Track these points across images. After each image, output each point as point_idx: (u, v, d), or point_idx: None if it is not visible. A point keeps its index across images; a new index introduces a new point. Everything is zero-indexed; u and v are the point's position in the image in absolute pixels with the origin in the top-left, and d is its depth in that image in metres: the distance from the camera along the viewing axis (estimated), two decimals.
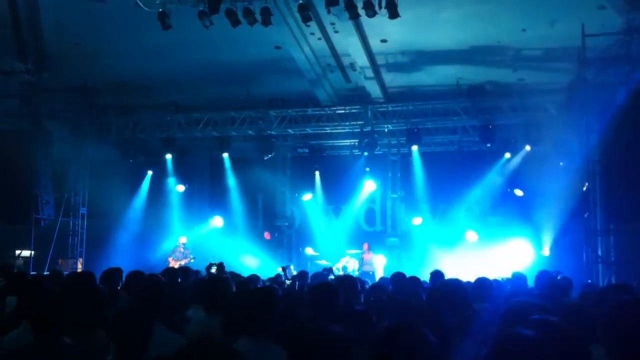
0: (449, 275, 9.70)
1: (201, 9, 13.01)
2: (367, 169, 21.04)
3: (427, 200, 20.44)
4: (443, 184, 19.97)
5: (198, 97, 19.27)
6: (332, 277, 12.44)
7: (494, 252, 17.75)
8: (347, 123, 19.55)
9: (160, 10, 13.13)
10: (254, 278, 9.82)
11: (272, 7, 13.05)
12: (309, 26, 14.01)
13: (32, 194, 17.95)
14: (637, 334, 3.55)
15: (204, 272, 11.45)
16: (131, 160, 21.32)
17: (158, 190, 21.80)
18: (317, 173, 21.90)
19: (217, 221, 21.85)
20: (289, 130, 20.35)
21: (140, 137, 20.73)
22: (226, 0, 12.93)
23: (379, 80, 17.70)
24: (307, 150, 21.59)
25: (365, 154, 19.94)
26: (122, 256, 18.34)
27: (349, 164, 21.02)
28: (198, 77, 17.35)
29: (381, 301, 6.13)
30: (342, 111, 19.33)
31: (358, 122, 19.39)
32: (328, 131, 20.37)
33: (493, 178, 19.64)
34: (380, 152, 20.65)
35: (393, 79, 17.71)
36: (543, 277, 8.18)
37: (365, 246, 19.18)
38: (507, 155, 19.18)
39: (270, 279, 11.18)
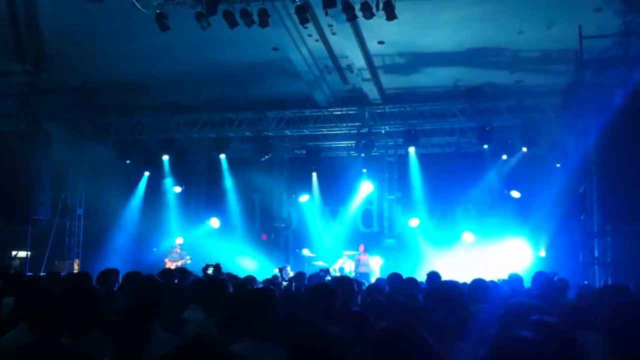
0: (445, 276, 9.71)
1: (199, 10, 13.00)
2: (364, 170, 21.08)
3: (424, 202, 20.48)
4: (440, 186, 20.01)
5: (196, 98, 19.26)
6: (328, 278, 12.46)
7: (490, 253, 17.77)
8: (345, 124, 19.57)
9: (158, 11, 13.11)
10: (250, 279, 9.82)
11: (270, 9, 13.03)
12: (306, 28, 14.01)
13: (29, 195, 17.91)
14: (635, 334, 3.56)
15: (200, 274, 11.44)
16: (129, 161, 21.32)
17: (155, 191, 21.79)
18: (314, 174, 21.92)
19: (214, 222, 21.85)
20: (287, 132, 20.36)
21: (138, 138, 20.71)
22: (224, 2, 12.92)
23: (377, 82, 17.71)
24: (304, 152, 21.61)
25: (363, 155, 19.94)
26: (118, 257, 18.32)
27: (346, 166, 21.04)
28: (196, 79, 17.34)
29: (378, 302, 6.13)
30: (340, 112, 19.34)
31: (355, 124, 19.41)
32: (325, 132, 20.37)
33: (490, 179, 19.68)
34: (378, 154, 20.66)
35: (390, 81, 17.73)
36: (540, 278, 8.20)
37: (362, 247, 19.20)
38: (504, 156, 19.21)
39: (266, 281, 11.16)
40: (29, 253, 18.67)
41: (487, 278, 8.59)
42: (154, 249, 20.69)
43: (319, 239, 21.32)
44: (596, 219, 14.96)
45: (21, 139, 18.15)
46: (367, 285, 10.10)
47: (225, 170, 21.58)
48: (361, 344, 3.39)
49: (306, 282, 10.98)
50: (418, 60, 16.23)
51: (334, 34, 14.70)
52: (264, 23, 13.02)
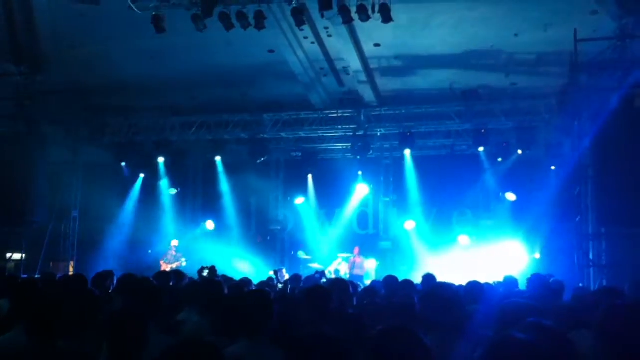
0: (441, 279, 9.72)
1: (195, 12, 13.00)
2: (360, 173, 21.09)
3: (420, 204, 20.49)
4: (436, 188, 20.04)
5: (192, 100, 19.25)
6: (324, 280, 12.47)
7: (486, 255, 17.78)
8: (341, 127, 19.58)
9: (154, 13, 13.11)
10: (246, 281, 9.82)
11: (266, 11, 13.04)
12: (302, 30, 14.01)
13: (24, 197, 17.88)
14: (629, 337, 3.57)
15: (195, 276, 11.43)
16: (124, 163, 21.30)
17: (151, 193, 21.76)
18: (310, 177, 21.92)
19: (209, 224, 21.83)
20: (283, 134, 20.36)
21: (133, 140, 20.70)
22: (220, 4, 12.92)
23: (373, 84, 17.72)
24: (300, 154, 21.60)
25: (358, 157, 19.96)
26: (114, 259, 18.33)
27: (342, 168, 21.03)
28: (192, 81, 17.33)
29: (374, 304, 6.14)
30: (336, 115, 19.34)
31: (351, 126, 19.43)
32: (321, 135, 20.37)
33: (486, 182, 19.71)
34: (374, 156, 20.65)
35: (386, 83, 17.73)
36: (535, 280, 8.20)
37: (356, 250, 19.19)
38: (500, 159, 19.24)
39: (261, 283, 11.15)
40: (24, 255, 18.64)
41: (483, 280, 8.61)
42: (149, 251, 20.66)
43: (315, 241, 21.32)
44: (591, 222, 14.99)
45: (17, 140, 18.12)
46: (362, 287, 10.12)
47: (221, 173, 21.54)
48: (358, 345, 3.39)
49: (302, 284, 10.98)
50: (414, 63, 16.25)
51: (330, 36, 14.71)
52: (260, 25, 13.02)
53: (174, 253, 19.50)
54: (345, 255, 19.51)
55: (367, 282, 15.35)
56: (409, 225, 20.33)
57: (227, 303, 5.84)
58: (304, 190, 22.04)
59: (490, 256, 17.65)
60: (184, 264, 18.83)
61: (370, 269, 19.22)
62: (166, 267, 18.16)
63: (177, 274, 10.23)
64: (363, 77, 17.04)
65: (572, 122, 15.52)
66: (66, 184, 20.00)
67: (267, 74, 16.79)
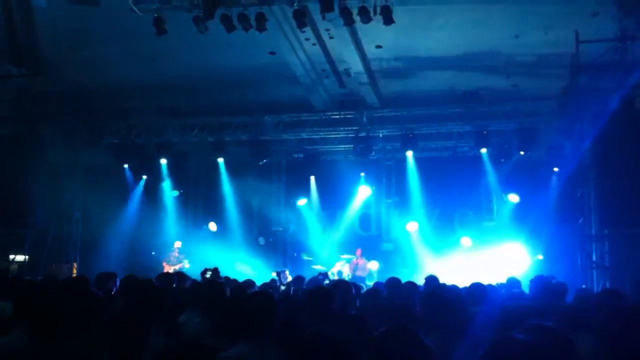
0: (443, 280, 9.72)
1: (196, 14, 13.01)
2: (362, 174, 21.10)
3: (422, 206, 20.47)
4: (438, 190, 20.01)
5: (193, 102, 19.26)
6: (327, 281, 12.47)
7: (488, 257, 17.77)
8: (342, 128, 19.59)
9: (156, 15, 13.12)
10: (249, 283, 9.82)
11: (267, 13, 13.05)
12: (304, 32, 14.01)
13: (26, 199, 17.90)
14: (631, 339, 3.57)
15: (198, 278, 11.43)
16: (126, 165, 21.33)
17: (153, 195, 21.77)
18: (312, 178, 21.92)
19: (212, 226, 21.84)
20: (284, 136, 20.35)
21: (135, 142, 20.72)
22: (221, 6, 12.93)
23: (374, 86, 17.72)
24: (302, 156, 21.59)
25: (360, 159, 19.96)
26: (116, 261, 18.33)
27: (344, 169, 21.02)
28: (193, 82, 17.34)
29: (377, 306, 6.15)
30: (337, 116, 19.36)
31: (353, 128, 19.43)
32: (323, 136, 20.37)
33: (487, 183, 19.69)
34: (375, 158, 20.67)
35: (388, 85, 17.74)
36: (538, 281, 8.20)
37: (359, 251, 19.20)
38: (502, 160, 19.22)
39: (264, 285, 11.15)
40: (26, 257, 18.66)
41: (486, 282, 8.61)
42: (152, 253, 20.68)
43: (317, 243, 21.31)
44: (594, 223, 15.01)
45: (17, 142, 18.14)
46: (364, 289, 10.12)
47: (223, 174, 21.55)
48: (360, 346, 3.40)
49: (305, 286, 10.99)
50: (415, 65, 16.25)
51: (331, 38, 14.72)
52: (261, 27, 13.03)
53: (176, 255, 19.52)
54: (347, 256, 19.51)
55: (370, 283, 15.35)
56: (411, 226, 20.32)
57: (229, 305, 5.84)
58: (306, 192, 22.04)
59: (493, 258, 17.64)
60: (186, 265, 18.84)
61: (372, 271, 19.22)
62: (169, 269, 18.19)
63: (179, 275, 10.24)
64: (364, 79, 17.05)
65: (574, 123, 15.55)
66: (67, 185, 19.99)
67: (269, 75, 16.79)
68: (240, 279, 10.75)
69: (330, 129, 19.70)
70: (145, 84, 17.40)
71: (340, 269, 18.89)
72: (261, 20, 12.95)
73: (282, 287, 12.33)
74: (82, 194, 20.48)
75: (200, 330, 5.59)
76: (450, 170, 19.89)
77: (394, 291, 8.31)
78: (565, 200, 16.99)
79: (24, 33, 15.08)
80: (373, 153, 19.85)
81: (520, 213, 18.91)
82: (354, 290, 7.40)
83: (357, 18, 12.65)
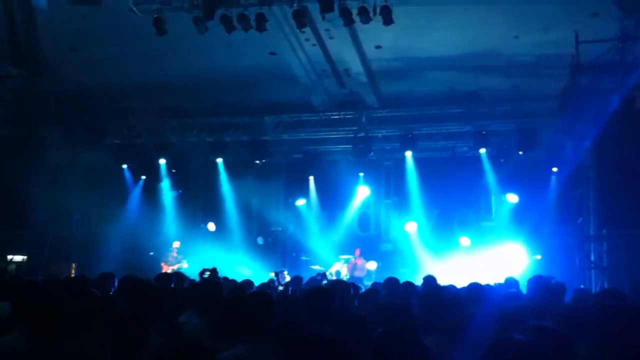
0: (442, 280, 9.72)
1: (196, 14, 13.02)
2: (361, 175, 21.11)
3: (421, 206, 20.47)
4: (437, 190, 20.01)
5: (193, 102, 19.26)
6: (325, 282, 12.47)
7: (487, 257, 17.77)
8: (342, 129, 19.59)
9: (156, 16, 13.13)
10: (247, 283, 9.82)
11: (267, 13, 13.05)
12: (303, 32, 14.03)
13: (24, 198, 17.89)
14: (629, 340, 3.58)
15: (197, 278, 11.43)
16: (125, 165, 21.32)
17: (152, 195, 21.76)
18: (311, 178, 21.92)
19: (210, 226, 21.84)
20: (284, 136, 20.35)
21: (134, 142, 20.72)
22: (221, 6, 12.94)
23: (374, 86, 17.74)
24: (301, 156, 21.59)
25: (360, 159, 19.96)
26: (115, 261, 18.30)
27: (343, 170, 21.01)
28: (193, 83, 17.34)
29: (376, 306, 6.15)
30: (337, 117, 19.37)
31: (352, 128, 19.43)
32: (323, 137, 20.37)
33: (487, 183, 19.69)
34: (374, 158, 20.68)
35: (387, 85, 17.75)
36: (537, 281, 8.19)
37: (357, 252, 19.20)
38: (501, 160, 19.22)
39: (262, 285, 11.14)
40: (25, 257, 18.65)
41: (484, 282, 8.60)
42: (151, 253, 20.67)
43: (316, 243, 21.29)
44: (592, 223, 15.01)
45: (17, 142, 18.14)
46: (363, 289, 10.13)
47: (222, 174, 21.56)
48: (360, 346, 3.40)
49: (303, 286, 10.99)
50: (415, 65, 16.25)
51: (331, 38, 14.73)
52: (261, 27, 13.04)
53: (175, 255, 19.51)
54: (346, 257, 19.51)
55: (368, 284, 15.35)
56: (410, 227, 20.32)
57: (228, 305, 5.84)
58: (305, 192, 22.04)
59: (492, 258, 17.64)
60: (185, 265, 18.83)
61: (370, 271, 19.22)
62: (167, 269, 18.18)
63: (178, 276, 10.25)
64: (364, 79, 17.06)
65: (573, 123, 15.54)
66: (67, 186, 19.96)
67: (269, 75, 16.79)
68: (239, 279, 10.75)
69: (330, 129, 19.71)
70: (144, 85, 17.41)
71: (339, 269, 18.89)
72: (261, 21, 12.96)
73: (280, 288, 12.33)
74: (82, 194, 20.45)
75: (200, 330, 5.59)
76: (450, 170, 19.88)
77: (392, 291, 8.31)
78: (564, 200, 17.00)
79: (25, 33, 15.08)
80: (372, 153, 19.88)
81: (520, 213, 18.91)
82: (352, 291, 7.39)
83: (356, 18, 12.66)
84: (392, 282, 8.95)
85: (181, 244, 19.93)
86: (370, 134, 19.47)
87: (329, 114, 19.33)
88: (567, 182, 16.62)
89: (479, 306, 6.19)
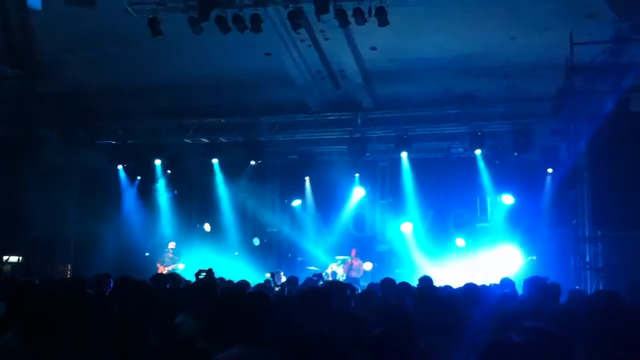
0: (437, 281, 9.74)
1: (191, 15, 13.01)
2: (357, 175, 21.13)
3: (416, 207, 20.50)
4: (432, 191, 20.06)
5: (188, 103, 19.22)
6: (321, 282, 12.48)
7: (482, 258, 17.82)
8: (337, 129, 19.58)
9: (151, 16, 13.12)
10: (243, 284, 9.82)
11: (263, 14, 13.05)
12: (299, 33, 14.02)
13: (20, 199, 17.86)
14: (626, 339, 3.59)
15: (192, 279, 11.42)
16: (121, 166, 21.30)
17: (147, 196, 21.75)
18: (307, 179, 21.93)
19: (206, 227, 21.83)
20: (279, 137, 20.33)
21: (130, 143, 20.69)
22: (216, 7, 12.93)
23: (369, 87, 17.73)
24: (297, 157, 21.60)
25: (355, 160, 19.97)
26: (111, 262, 18.29)
27: (338, 170, 21.03)
28: (188, 84, 17.31)
29: (372, 307, 6.15)
30: (332, 118, 19.34)
31: (348, 129, 19.42)
32: (318, 138, 20.36)
33: (482, 184, 19.73)
34: (370, 159, 20.69)
35: (383, 86, 17.75)
36: (532, 282, 8.22)
37: (354, 252, 19.21)
38: (496, 162, 19.26)
39: (258, 286, 11.14)
40: (20, 258, 18.61)
41: (479, 283, 8.62)
42: (147, 254, 20.66)
43: (312, 244, 21.32)
44: (587, 225, 15.04)
45: (13, 144, 18.10)
46: (359, 289, 10.13)
47: (217, 175, 21.55)
48: (356, 347, 3.41)
49: (299, 287, 10.99)
50: (410, 66, 16.24)
51: (326, 39, 14.72)
52: (256, 28, 13.04)
53: (171, 255, 19.50)
54: (342, 257, 19.52)
55: (364, 284, 15.36)
56: (406, 227, 20.35)
57: (224, 306, 5.84)
58: (300, 193, 22.06)
59: (487, 258, 17.68)
60: (180, 266, 18.82)
61: (367, 272, 19.23)
62: (163, 270, 18.18)
63: (173, 276, 10.24)
64: (360, 80, 17.05)
65: (568, 125, 15.59)
66: (62, 187, 19.95)
67: (264, 76, 16.77)
68: (235, 280, 10.74)
69: (325, 130, 19.68)
70: (140, 85, 17.38)
71: (335, 269, 18.90)
72: (256, 22, 12.96)
73: (277, 288, 12.34)
74: (77, 195, 20.42)
75: (195, 331, 5.58)
76: (445, 171, 19.93)
77: (388, 292, 8.33)
78: (559, 201, 17.05)
79: (20, 35, 15.03)
80: (368, 154, 19.87)
81: (515, 214, 18.96)
82: (348, 291, 7.40)
83: (352, 20, 12.66)
84: (388, 282, 8.97)
85: (177, 245, 19.93)
86: (365, 135, 19.46)
87: (325, 114, 19.31)
88: (562, 183, 16.68)
89: (475, 307, 6.20)
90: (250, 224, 22.53)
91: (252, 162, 20.76)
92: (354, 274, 18.56)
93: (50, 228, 19.29)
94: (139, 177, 21.75)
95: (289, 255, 21.82)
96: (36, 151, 18.41)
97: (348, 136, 19.57)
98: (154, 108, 19.40)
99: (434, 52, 15.28)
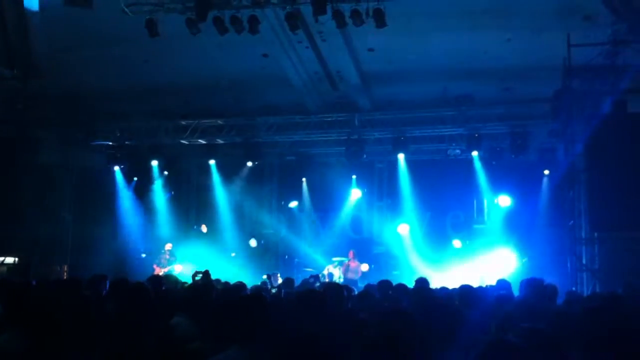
0: (434, 282, 9.74)
1: (189, 16, 13.00)
2: (354, 177, 21.12)
3: (413, 209, 20.50)
4: (429, 192, 20.06)
5: (185, 104, 19.22)
6: (318, 284, 12.46)
7: (479, 259, 17.83)
8: (335, 131, 19.57)
9: (148, 17, 13.10)
10: (240, 285, 9.80)
11: (260, 16, 13.05)
12: (296, 34, 14.02)
13: (17, 200, 17.82)
14: (623, 340, 3.59)
15: (189, 280, 11.40)
16: (116, 167, 21.27)
17: (144, 196, 21.72)
18: (304, 180, 21.92)
19: (203, 228, 21.81)
20: (277, 138, 20.32)
21: (127, 144, 20.66)
22: (214, 8, 12.93)
23: (366, 89, 17.74)
24: (294, 158, 21.59)
25: (352, 162, 19.96)
26: (107, 263, 18.25)
27: (336, 172, 21.03)
28: (186, 84, 17.32)
29: (369, 308, 6.15)
30: (330, 119, 19.34)
31: (345, 130, 19.42)
32: (315, 139, 20.36)
33: (479, 186, 19.73)
34: (367, 160, 20.69)
35: (380, 88, 17.75)
36: (529, 284, 8.22)
37: (351, 254, 19.19)
38: (493, 163, 19.26)
39: (254, 287, 11.12)
40: (16, 259, 18.57)
41: (476, 284, 8.63)
42: (143, 255, 20.63)
43: (309, 245, 21.31)
44: (584, 226, 15.05)
45: (10, 144, 18.07)
46: (356, 291, 10.12)
47: (214, 176, 21.53)
48: (353, 348, 3.40)
49: (296, 288, 10.98)
50: (407, 68, 16.24)
51: (324, 40, 14.73)
52: (254, 30, 13.04)
53: (167, 257, 19.48)
54: (339, 259, 19.51)
55: (362, 286, 15.34)
56: (403, 229, 20.35)
57: (220, 307, 5.83)
58: (297, 194, 22.06)
59: (483, 260, 17.69)
60: (177, 267, 18.80)
61: (365, 273, 19.22)
62: (159, 271, 18.16)
63: (170, 278, 10.22)
64: (357, 82, 17.06)
65: (565, 126, 15.58)
66: (59, 187, 19.92)
67: (261, 78, 16.78)
68: (232, 281, 10.72)
69: (323, 131, 19.68)
70: (137, 86, 17.37)
71: (331, 271, 18.89)
72: (254, 23, 12.96)
73: (273, 290, 12.32)
74: (74, 195, 20.39)
75: (191, 333, 5.57)
76: (442, 173, 19.94)
77: (385, 294, 8.33)
78: (556, 203, 17.05)
79: (17, 35, 15.01)
80: (365, 156, 19.86)
81: (512, 216, 18.97)
82: (345, 293, 7.38)
83: (349, 21, 12.66)
84: (385, 284, 8.97)
85: (173, 246, 19.90)
86: (363, 137, 19.46)
87: (322, 116, 19.30)
88: (558, 184, 16.68)
89: (471, 308, 6.20)
90: (247, 225, 22.52)
91: (249, 164, 20.76)
92: (351, 276, 18.54)
93: (47, 229, 19.25)
94: (135, 178, 21.71)
95: (286, 256, 21.82)
96: (33, 152, 18.36)
97: (345, 137, 19.56)
98: (151, 109, 19.39)
99: (431, 54, 15.30)
